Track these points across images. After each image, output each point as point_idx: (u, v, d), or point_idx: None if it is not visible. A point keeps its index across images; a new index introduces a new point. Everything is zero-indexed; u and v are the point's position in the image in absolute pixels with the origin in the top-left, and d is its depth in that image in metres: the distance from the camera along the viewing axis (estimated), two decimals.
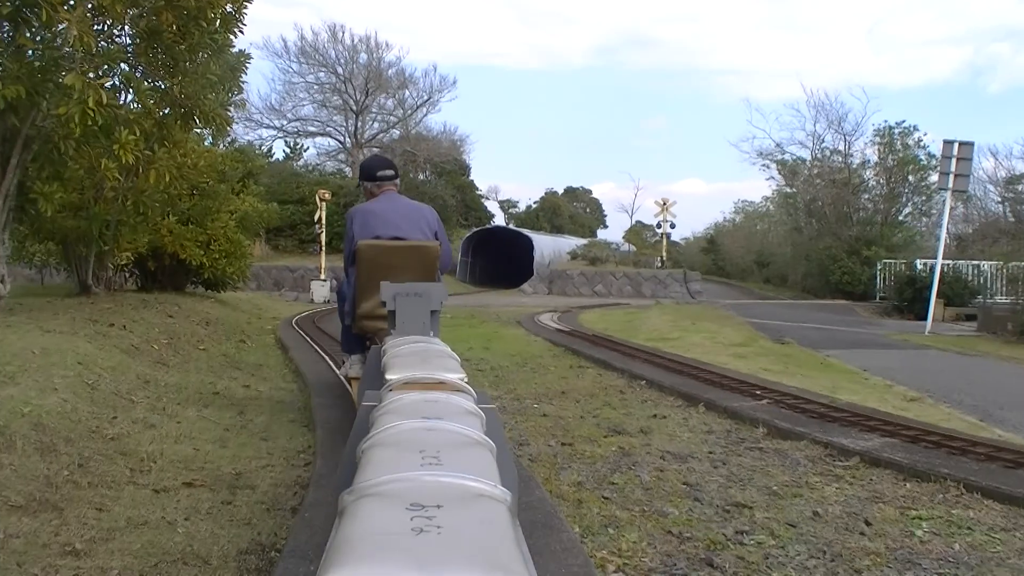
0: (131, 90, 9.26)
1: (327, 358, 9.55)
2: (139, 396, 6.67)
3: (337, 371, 8.13)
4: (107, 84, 8.78)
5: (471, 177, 54.62)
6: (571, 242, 47.11)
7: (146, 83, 9.43)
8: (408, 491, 1.08)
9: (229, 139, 23.85)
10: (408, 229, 5.39)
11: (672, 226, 39.82)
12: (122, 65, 9.65)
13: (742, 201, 64.26)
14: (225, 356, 9.92)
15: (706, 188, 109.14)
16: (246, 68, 11.61)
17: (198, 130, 13.50)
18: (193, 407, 6.75)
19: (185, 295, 15.53)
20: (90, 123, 8.37)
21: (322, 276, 28.50)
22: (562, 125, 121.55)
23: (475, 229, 46.20)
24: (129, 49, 9.95)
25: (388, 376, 2.04)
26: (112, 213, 11.70)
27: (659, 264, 38.02)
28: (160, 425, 5.98)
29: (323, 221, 29.61)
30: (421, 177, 47.92)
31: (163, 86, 10.09)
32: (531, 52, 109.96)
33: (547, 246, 43.22)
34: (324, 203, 29.10)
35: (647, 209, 73.31)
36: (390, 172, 5.77)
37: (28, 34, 8.88)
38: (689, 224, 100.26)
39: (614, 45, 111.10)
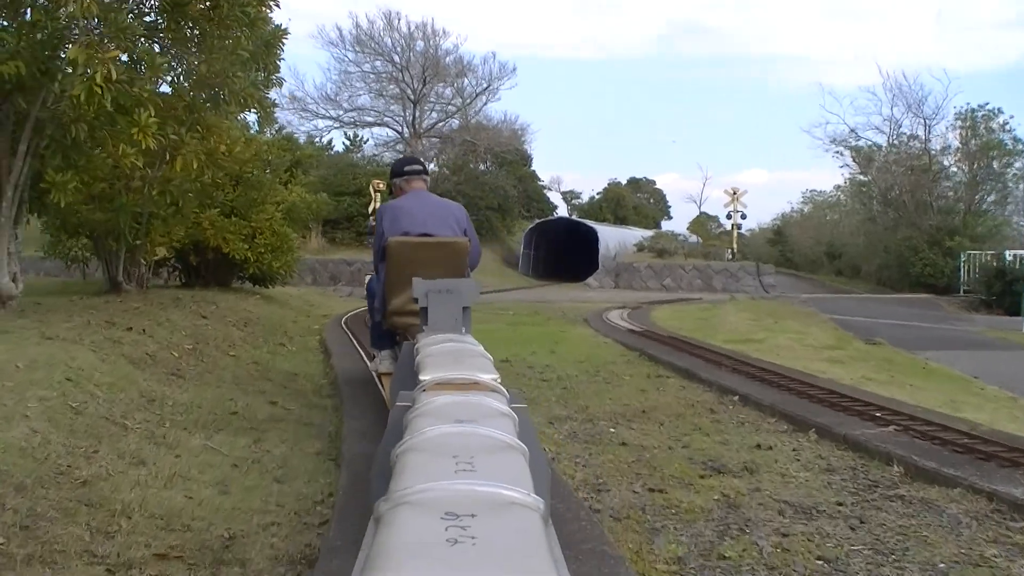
0: (144, 66, 8.17)
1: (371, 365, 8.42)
2: (136, 420, 5.56)
3: (368, 364, 7.58)
4: (120, 58, 7.73)
5: (533, 167, 53.45)
6: (637, 233, 45.83)
7: (161, 57, 8.33)
8: (442, 500, 1.07)
9: (277, 126, 22.93)
10: (436, 226, 5.40)
11: (743, 216, 38.31)
12: (143, 41, 8.70)
13: (811, 191, 62.15)
14: (256, 364, 8.81)
15: (769, 178, 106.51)
16: (283, 44, 10.49)
17: (241, 115, 12.56)
18: (201, 433, 5.62)
19: (228, 292, 14.56)
20: (100, 103, 7.36)
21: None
22: (624, 115, 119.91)
23: (537, 220, 45.04)
24: (160, 24, 8.99)
25: (421, 376, 2.01)
26: (141, 204, 10.70)
27: (730, 256, 36.52)
28: (152, 461, 4.85)
29: None
30: (482, 167, 46.73)
31: (186, 63, 9.08)
32: (589, 42, 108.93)
33: (612, 238, 41.98)
34: (379, 194, 28.15)
35: (713, 200, 71.68)
36: (417, 167, 5.95)
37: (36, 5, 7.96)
38: (754, 215, 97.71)
39: (671, 34, 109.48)
